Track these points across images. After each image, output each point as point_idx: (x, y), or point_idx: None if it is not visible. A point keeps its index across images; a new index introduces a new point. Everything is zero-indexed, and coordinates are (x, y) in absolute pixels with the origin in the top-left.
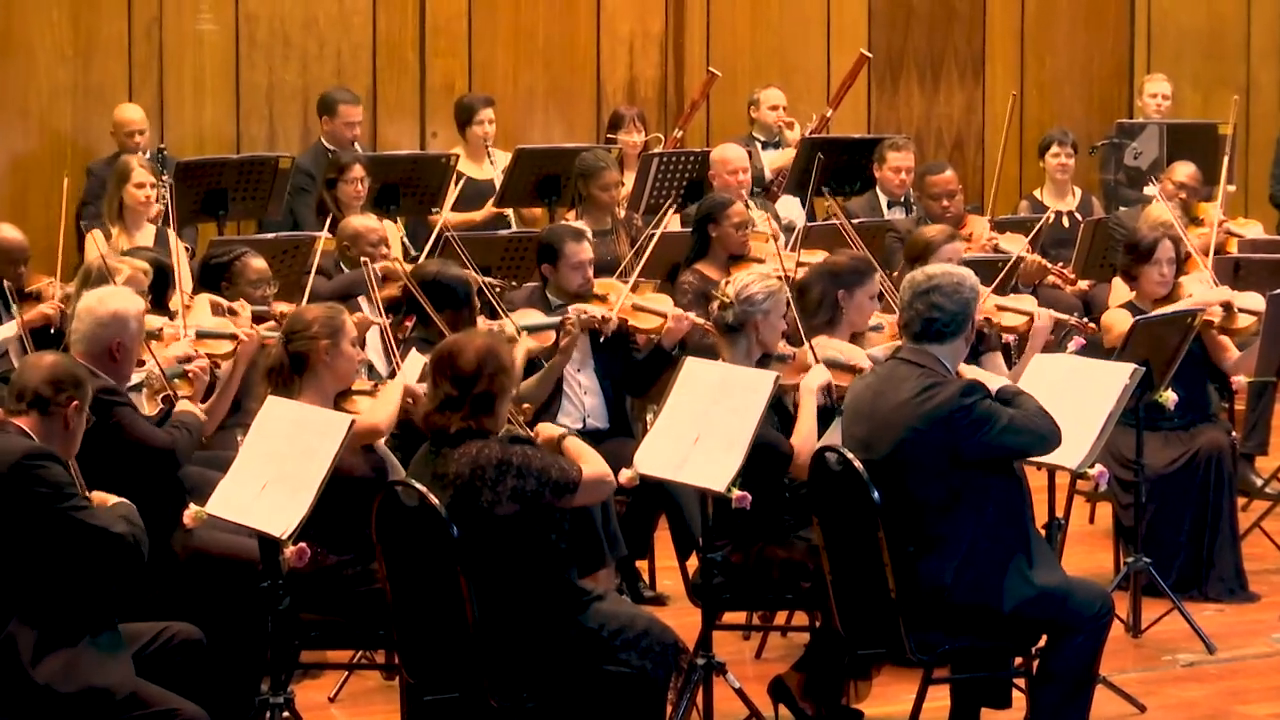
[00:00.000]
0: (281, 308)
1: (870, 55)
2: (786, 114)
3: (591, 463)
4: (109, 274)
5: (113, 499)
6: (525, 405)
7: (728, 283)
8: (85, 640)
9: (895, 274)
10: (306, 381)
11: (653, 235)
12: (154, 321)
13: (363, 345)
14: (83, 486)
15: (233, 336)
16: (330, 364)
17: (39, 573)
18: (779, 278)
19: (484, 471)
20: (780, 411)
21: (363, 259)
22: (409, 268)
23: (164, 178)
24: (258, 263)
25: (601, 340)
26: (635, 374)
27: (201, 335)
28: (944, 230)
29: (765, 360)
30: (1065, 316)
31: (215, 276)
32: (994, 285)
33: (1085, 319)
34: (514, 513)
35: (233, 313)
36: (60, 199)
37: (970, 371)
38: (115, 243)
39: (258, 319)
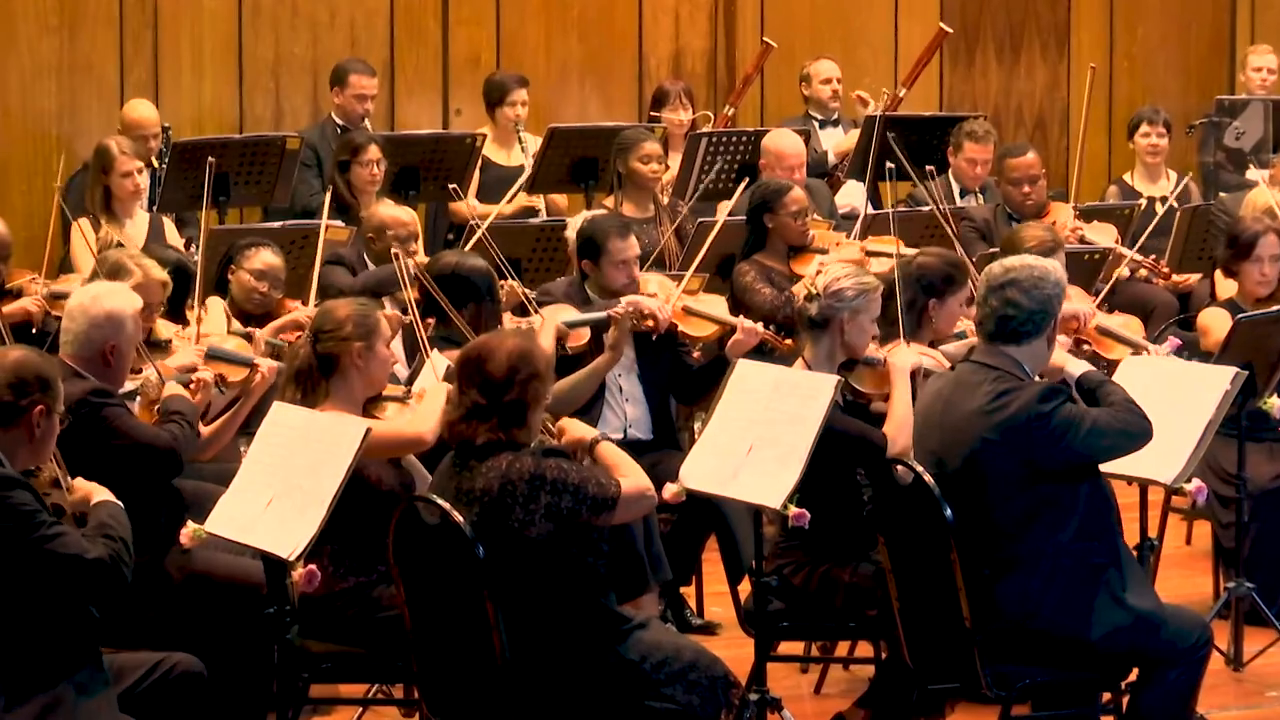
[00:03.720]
0: (293, 306)
1: (949, 30)
2: (850, 87)
3: (629, 473)
4: (123, 271)
5: (97, 494)
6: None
7: (819, 272)
8: (63, 682)
9: (972, 262)
10: (335, 385)
11: (704, 225)
12: (164, 330)
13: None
14: (66, 476)
15: (249, 365)
16: (363, 368)
17: (9, 611)
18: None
19: (515, 487)
20: (863, 418)
21: (393, 251)
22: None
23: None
24: (270, 257)
25: (654, 339)
26: (690, 382)
27: (214, 356)
28: (1043, 241)
29: (850, 364)
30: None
31: (225, 267)
32: (1098, 299)
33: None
34: (548, 533)
35: (249, 338)
36: (43, 186)
37: (1057, 357)
38: (105, 234)
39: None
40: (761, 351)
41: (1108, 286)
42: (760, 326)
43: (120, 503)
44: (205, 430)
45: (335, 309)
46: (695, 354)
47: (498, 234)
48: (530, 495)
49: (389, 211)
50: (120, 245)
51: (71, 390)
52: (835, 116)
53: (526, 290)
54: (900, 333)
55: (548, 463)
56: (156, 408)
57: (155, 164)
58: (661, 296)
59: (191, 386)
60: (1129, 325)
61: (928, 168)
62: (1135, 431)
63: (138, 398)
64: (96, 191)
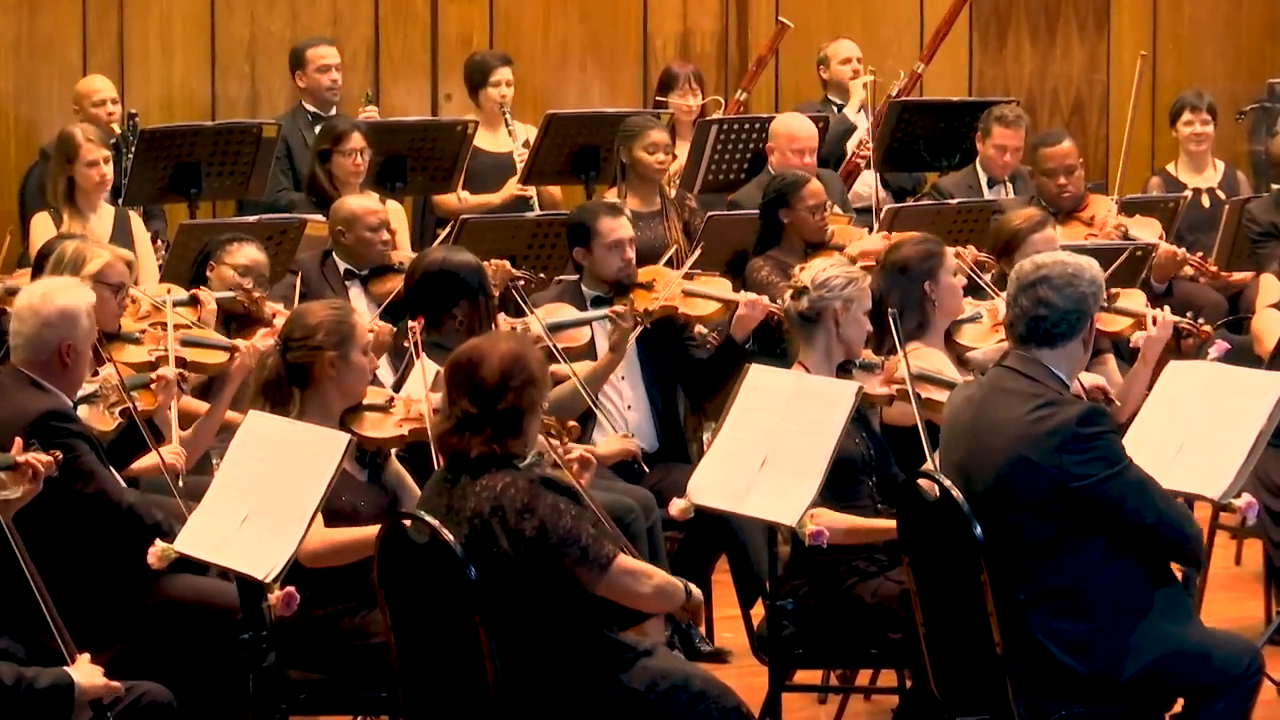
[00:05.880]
0: (275, 309)
1: None
2: (866, 69)
3: (648, 569)
4: (86, 257)
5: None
6: (570, 424)
7: (803, 268)
8: None
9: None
10: (308, 398)
11: (713, 219)
12: (133, 324)
13: None
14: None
15: (227, 348)
16: (337, 379)
17: None
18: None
19: (504, 513)
20: (866, 429)
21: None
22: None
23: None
24: (254, 252)
25: (651, 328)
26: (701, 375)
27: (189, 343)
28: (1032, 216)
29: (847, 367)
30: (1178, 319)
31: (205, 263)
32: (1108, 273)
33: (1200, 319)
34: (528, 562)
35: (195, 301)
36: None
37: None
38: (68, 228)
39: (225, 312)
40: (775, 355)
41: (1164, 287)
42: (765, 299)
43: (65, 680)
44: (184, 433)
45: (306, 314)
46: (700, 330)
47: (491, 229)
48: (517, 524)
49: (358, 202)
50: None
51: (28, 403)
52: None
53: (516, 272)
54: (898, 343)
55: (545, 497)
56: (119, 410)
57: (119, 124)
58: (660, 286)
59: (153, 386)
60: (1130, 297)
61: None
62: (1186, 528)
63: (98, 401)
64: (60, 182)
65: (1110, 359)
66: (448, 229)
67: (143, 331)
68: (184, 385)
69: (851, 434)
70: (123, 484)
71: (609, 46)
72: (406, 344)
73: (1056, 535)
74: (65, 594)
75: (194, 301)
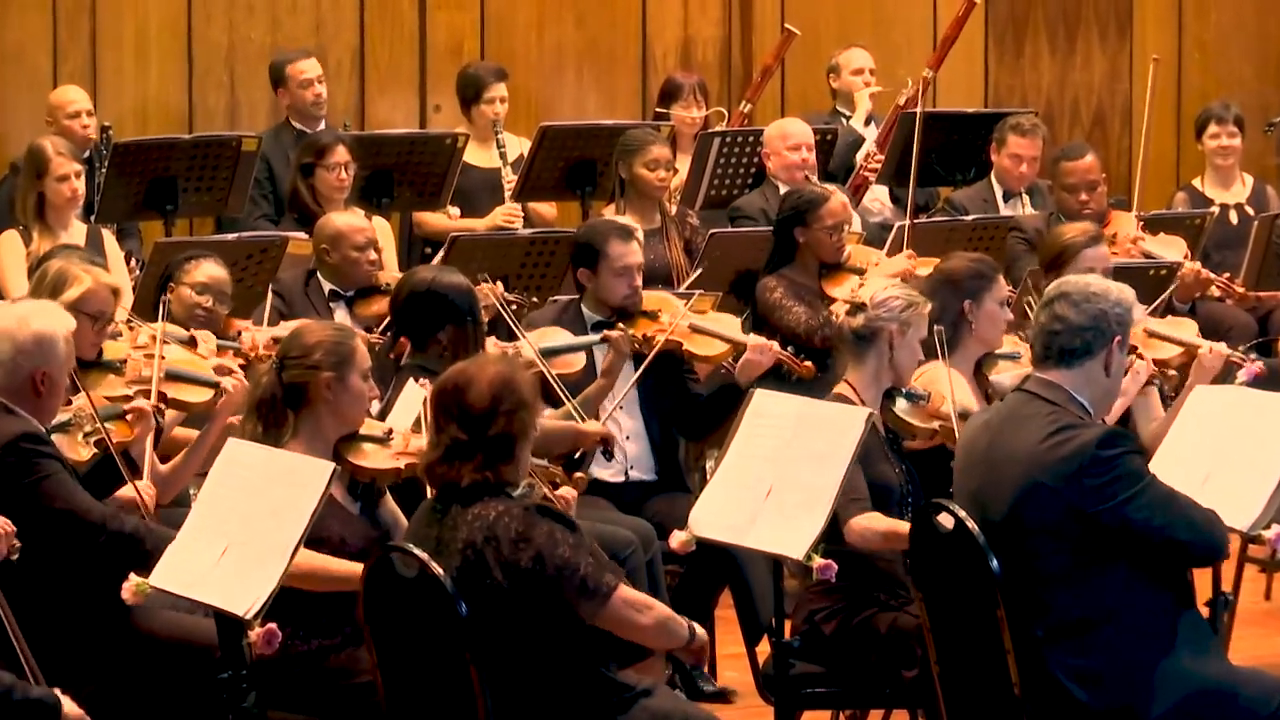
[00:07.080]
0: (242, 325)
1: (977, 1)
2: (883, 78)
3: (649, 601)
4: (69, 279)
5: None
6: (578, 475)
7: (861, 285)
8: None
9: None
10: (302, 421)
11: (716, 236)
12: (116, 350)
13: None
14: None
15: (214, 386)
16: (333, 402)
17: None
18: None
19: (498, 544)
20: (904, 462)
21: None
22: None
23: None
24: (213, 269)
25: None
26: (696, 414)
27: (173, 376)
28: (1085, 230)
29: (893, 394)
30: (1231, 352)
31: (166, 282)
32: (1153, 307)
33: (1251, 354)
34: (524, 596)
35: (191, 343)
36: None
37: None
38: (37, 246)
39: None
40: (778, 377)
41: (1187, 308)
42: (776, 345)
43: (52, 699)
44: (164, 468)
45: (305, 333)
46: (701, 370)
47: (482, 247)
48: (512, 554)
49: (344, 219)
50: (66, 248)
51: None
52: (869, 115)
53: (507, 296)
54: (941, 353)
55: (541, 526)
56: (93, 441)
57: (95, 137)
58: (666, 318)
59: (128, 418)
60: (1181, 326)
61: None
62: (1207, 535)
63: (71, 429)
64: (29, 198)
65: (1154, 391)
66: (440, 250)
67: (123, 361)
68: (161, 419)
69: (893, 463)
70: (100, 507)
71: (606, 54)
72: (399, 358)
73: (1074, 563)
74: (37, 629)
75: (192, 343)
